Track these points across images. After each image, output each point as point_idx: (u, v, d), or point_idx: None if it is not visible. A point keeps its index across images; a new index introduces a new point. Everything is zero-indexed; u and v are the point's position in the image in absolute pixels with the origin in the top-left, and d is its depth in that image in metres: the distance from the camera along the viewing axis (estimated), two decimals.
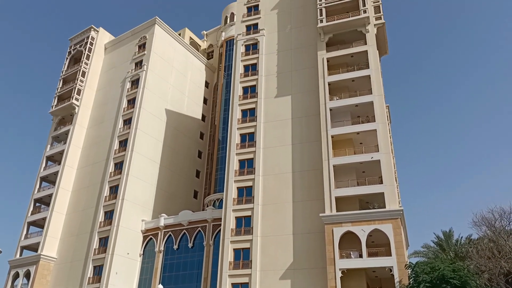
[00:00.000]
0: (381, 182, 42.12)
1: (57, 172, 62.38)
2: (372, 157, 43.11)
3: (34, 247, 59.20)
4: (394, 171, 45.90)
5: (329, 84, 48.79)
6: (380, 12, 51.71)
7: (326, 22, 51.07)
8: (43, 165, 65.90)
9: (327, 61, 50.12)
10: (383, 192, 41.45)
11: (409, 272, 35.62)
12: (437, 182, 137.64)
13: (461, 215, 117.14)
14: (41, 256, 56.12)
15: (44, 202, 62.93)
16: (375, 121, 45.07)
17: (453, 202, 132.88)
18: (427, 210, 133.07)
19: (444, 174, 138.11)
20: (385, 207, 40.77)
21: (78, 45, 71.78)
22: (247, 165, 50.49)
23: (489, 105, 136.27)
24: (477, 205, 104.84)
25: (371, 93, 46.52)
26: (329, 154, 44.94)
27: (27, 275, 56.74)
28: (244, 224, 47.37)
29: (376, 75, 47.53)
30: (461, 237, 41.23)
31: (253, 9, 60.06)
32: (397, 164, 59.16)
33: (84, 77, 68.31)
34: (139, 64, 65.47)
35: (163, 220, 54.91)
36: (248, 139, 51.98)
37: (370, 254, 39.42)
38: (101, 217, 55.55)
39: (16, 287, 57.18)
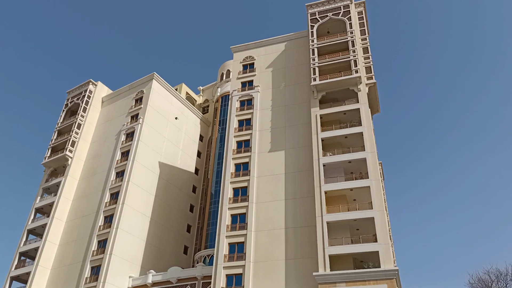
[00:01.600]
0: (376, 241, 41.39)
1: (45, 224, 60.85)
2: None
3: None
4: (388, 229, 45.27)
5: (322, 140, 49.34)
6: (371, 72, 53.50)
7: (319, 80, 52.62)
8: (32, 217, 64.40)
9: (320, 117, 51.04)
10: (378, 251, 40.61)
11: None
12: (432, 237, 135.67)
13: (458, 271, 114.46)
14: None
15: (30, 256, 60.86)
16: (368, 178, 45.11)
17: (449, 257, 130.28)
18: (422, 267, 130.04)
19: (439, 228, 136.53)
20: (380, 267, 39.78)
21: (76, 98, 72.80)
22: (239, 220, 49.69)
23: (482, 155, 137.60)
24: (473, 261, 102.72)
25: (364, 150, 46.96)
26: (322, 210, 44.49)
27: None
28: (235, 282, 45.77)
29: (369, 132, 48.24)
30: None
31: (248, 67, 62.01)
32: (391, 221, 58.53)
33: (79, 129, 68.63)
34: (135, 117, 66.20)
35: (151, 277, 52.97)
36: (241, 193, 51.56)
37: None
38: (87, 272, 53.55)
39: None
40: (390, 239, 44.96)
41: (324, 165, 47.56)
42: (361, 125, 48.76)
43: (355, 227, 44.59)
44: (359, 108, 49.95)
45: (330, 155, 48.46)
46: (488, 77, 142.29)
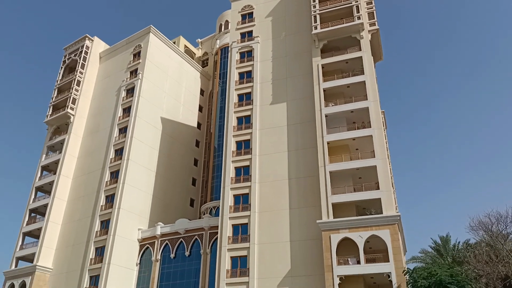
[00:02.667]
0: (378, 188, 42.12)
1: (53, 181, 62.03)
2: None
3: (29, 258, 58.66)
4: (391, 177, 45.98)
5: (324, 91, 48.92)
6: (374, 18, 52.02)
7: (321, 28, 51.33)
8: (38, 175, 65.54)
9: (322, 67, 50.31)
10: (380, 198, 41.45)
11: (407, 278, 35.60)
12: (434, 187, 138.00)
13: (459, 220, 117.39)
14: (37, 266, 55.60)
15: (40, 212, 62.52)
16: (370, 127, 45.16)
17: (450, 206, 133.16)
18: (424, 216, 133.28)
19: (440, 178, 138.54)
20: (382, 213, 40.75)
21: (73, 54, 71.74)
22: (243, 173, 50.41)
23: (488, 109, 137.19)
24: (474, 209, 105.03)
25: (367, 99, 46.65)
26: (325, 160, 44.96)
27: (23, 286, 56.12)
28: (241, 232, 47.19)
29: (371, 81, 47.72)
30: (458, 242, 41.24)
31: (247, 17, 60.33)
32: (393, 170, 59.25)
33: (79, 86, 68.23)
34: (134, 73, 65.50)
35: (159, 229, 54.62)
36: (244, 146, 51.93)
37: (368, 260, 39.32)
38: (97, 226, 55.20)
39: None
40: (392, 186, 45.77)
41: (326, 116, 47.47)
42: (363, 74, 48.09)
43: (358, 176, 45.23)
44: (361, 56, 49.05)
45: (332, 105, 48.23)
46: (498, 25, 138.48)
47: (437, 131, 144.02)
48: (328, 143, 45.98)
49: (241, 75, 56.57)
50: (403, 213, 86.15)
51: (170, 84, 68.75)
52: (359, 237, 39.96)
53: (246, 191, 49.01)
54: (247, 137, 52.05)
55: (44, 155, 66.95)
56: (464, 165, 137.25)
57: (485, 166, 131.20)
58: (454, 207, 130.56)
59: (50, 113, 68.86)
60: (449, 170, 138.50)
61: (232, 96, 55.02)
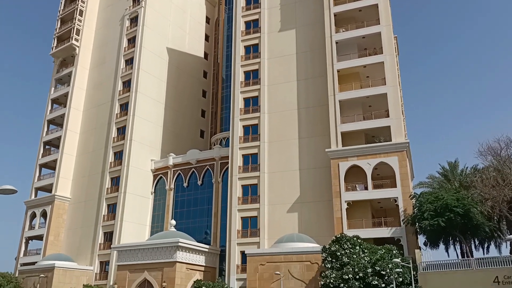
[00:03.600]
0: (388, 116, 41.97)
1: (64, 114, 62.70)
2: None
3: (47, 188, 61.02)
4: (401, 104, 45.54)
5: (335, 15, 47.04)
6: None
7: None
8: (49, 108, 66.12)
9: None
10: (389, 126, 41.46)
11: (414, 202, 36.58)
12: (445, 114, 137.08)
13: (468, 147, 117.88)
14: (55, 196, 57.98)
15: (54, 144, 63.92)
16: (382, 53, 43.97)
17: (460, 133, 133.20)
18: (433, 142, 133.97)
19: (451, 105, 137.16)
20: (391, 141, 40.97)
21: None
22: (252, 103, 50.29)
23: (502, 37, 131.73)
24: (483, 136, 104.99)
25: (379, 23, 44.95)
26: (335, 89, 44.45)
27: (44, 214, 59.03)
28: (251, 161, 48.14)
29: (384, 4, 45.61)
30: (467, 167, 41.61)
31: None
32: (403, 97, 58.57)
33: (81, 16, 66.41)
34: (136, 1, 63.21)
35: (171, 159, 55.87)
36: (252, 76, 51.28)
37: (375, 186, 40.28)
38: (111, 157, 56.57)
39: (34, 226, 59.73)
40: (402, 114, 45.49)
41: (336, 42, 46.12)
42: None
43: (368, 104, 44.92)
44: None
45: (343, 31, 46.64)
46: None
47: (451, 61, 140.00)
48: (338, 71, 45.15)
49: (247, 0, 54.30)
50: (412, 140, 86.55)
51: (174, 12, 66.46)
52: (367, 164, 40.58)
53: (255, 121, 49.21)
54: (256, 67, 51.19)
55: (52, 88, 67.03)
56: (477, 96, 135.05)
57: (499, 92, 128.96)
58: (465, 134, 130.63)
59: (55, 45, 67.81)
60: (461, 101, 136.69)
61: (239, 24, 53.27)
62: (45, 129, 65.01)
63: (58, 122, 64.73)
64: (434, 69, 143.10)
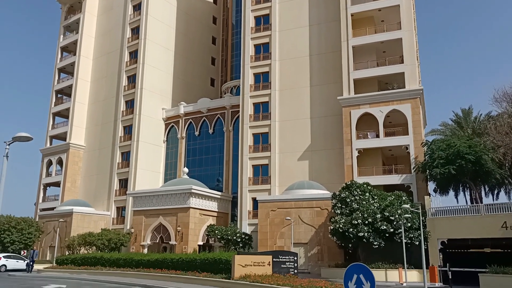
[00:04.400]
0: (402, 62, 40.94)
1: (74, 62, 62.38)
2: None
3: (62, 137, 62.04)
4: (416, 50, 44.22)
5: None
6: None
7: None
8: (59, 56, 65.72)
9: None
10: (404, 72, 40.55)
11: (425, 150, 36.49)
12: (460, 61, 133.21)
13: (483, 94, 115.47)
14: (70, 144, 59.03)
15: (66, 93, 64.20)
16: None
17: (476, 81, 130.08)
18: (448, 90, 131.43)
19: (468, 52, 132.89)
20: (404, 87, 40.24)
21: None
22: (262, 50, 49.32)
23: None
24: (500, 83, 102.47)
25: None
26: (348, 34, 43.17)
27: (60, 162, 60.48)
28: (262, 109, 47.97)
29: None
30: (480, 114, 40.90)
31: None
32: (418, 43, 56.79)
33: None
34: None
35: (182, 108, 55.94)
36: (263, 21, 49.89)
37: (387, 134, 40.12)
38: (122, 106, 56.81)
39: (51, 174, 61.44)
40: (417, 60, 44.27)
41: None
42: None
43: (382, 50, 43.75)
44: None
45: None
46: None
47: (469, 6, 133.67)
48: (352, 15, 43.62)
49: None
50: (426, 87, 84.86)
51: None
52: (380, 112, 40.18)
53: (266, 69, 48.49)
54: (266, 11, 49.67)
55: (61, 36, 66.26)
56: (495, 43, 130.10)
57: None
58: (480, 81, 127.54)
59: None
60: (478, 47, 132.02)
61: None
62: (56, 78, 65.04)
63: (68, 71, 64.58)
64: (450, 14, 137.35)
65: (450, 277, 26.75)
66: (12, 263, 38.00)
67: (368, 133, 41.11)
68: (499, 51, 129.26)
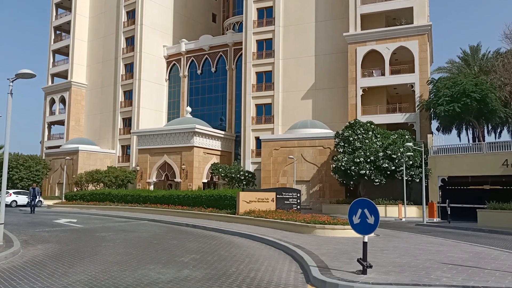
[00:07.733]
0: None
1: None
2: None
3: (63, 75, 61.35)
4: None
5: None
6: None
7: None
8: None
9: None
10: (412, 7, 39.04)
11: (431, 88, 36.05)
12: None
13: (494, 31, 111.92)
14: (72, 82, 58.51)
15: (64, 29, 62.56)
16: None
17: (486, 16, 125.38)
18: (457, 26, 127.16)
19: None
20: (412, 23, 38.94)
21: None
22: None
23: None
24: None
25: None
26: None
27: (62, 100, 60.33)
28: (266, 47, 46.86)
29: None
30: (489, 51, 39.84)
31: None
32: None
33: None
34: None
35: (184, 46, 54.68)
36: None
37: (392, 72, 39.46)
38: (123, 43, 55.55)
39: (54, 112, 61.54)
40: None
41: None
42: None
43: None
44: None
45: None
46: None
47: None
48: None
49: None
50: (434, 23, 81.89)
51: None
52: (386, 49, 39.23)
53: (269, 3, 46.75)
54: None
55: None
56: None
57: None
58: (491, 17, 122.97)
59: None
60: None
61: None
62: (54, 14, 63.05)
63: (66, 6, 62.45)
64: None
65: (449, 212, 27.54)
66: (22, 199, 39.14)
67: (373, 71, 40.43)
68: None
